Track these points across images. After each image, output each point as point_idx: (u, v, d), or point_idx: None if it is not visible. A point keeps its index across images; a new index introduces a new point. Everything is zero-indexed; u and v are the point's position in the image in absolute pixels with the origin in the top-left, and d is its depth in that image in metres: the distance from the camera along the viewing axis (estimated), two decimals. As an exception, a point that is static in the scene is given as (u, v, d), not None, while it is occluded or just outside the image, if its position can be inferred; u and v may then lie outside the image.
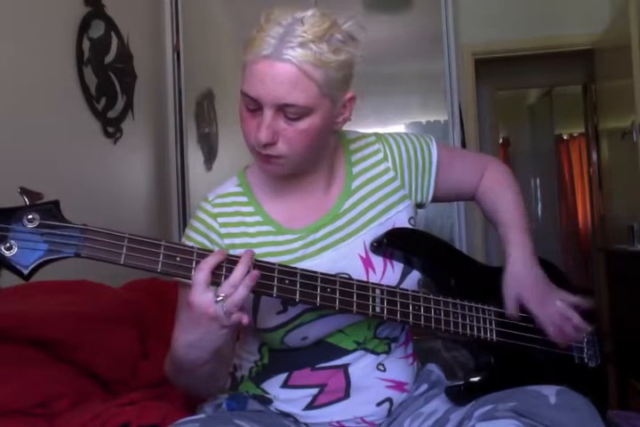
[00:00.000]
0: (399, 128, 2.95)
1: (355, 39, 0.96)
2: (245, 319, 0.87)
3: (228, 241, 1.05)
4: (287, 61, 0.89)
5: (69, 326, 1.27)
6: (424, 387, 1.12)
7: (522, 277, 1.12)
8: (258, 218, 1.06)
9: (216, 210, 1.06)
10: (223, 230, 1.05)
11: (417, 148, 1.15)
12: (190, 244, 1.03)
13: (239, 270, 0.87)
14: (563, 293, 1.13)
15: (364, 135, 1.17)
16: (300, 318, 1.01)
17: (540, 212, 5.92)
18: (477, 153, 1.40)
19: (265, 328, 1.04)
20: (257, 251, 1.02)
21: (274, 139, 0.94)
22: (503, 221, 1.18)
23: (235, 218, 1.06)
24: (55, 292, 1.44)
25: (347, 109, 1.01)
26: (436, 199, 1.18)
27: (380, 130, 1.25)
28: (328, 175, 1.09)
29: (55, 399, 1.14)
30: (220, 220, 1.06)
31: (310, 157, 1.00)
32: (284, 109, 0.92)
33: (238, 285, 0.86)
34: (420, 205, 1.18)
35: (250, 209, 1.07)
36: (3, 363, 1.13)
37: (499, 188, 1.22)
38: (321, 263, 1.03)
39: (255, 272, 0.88)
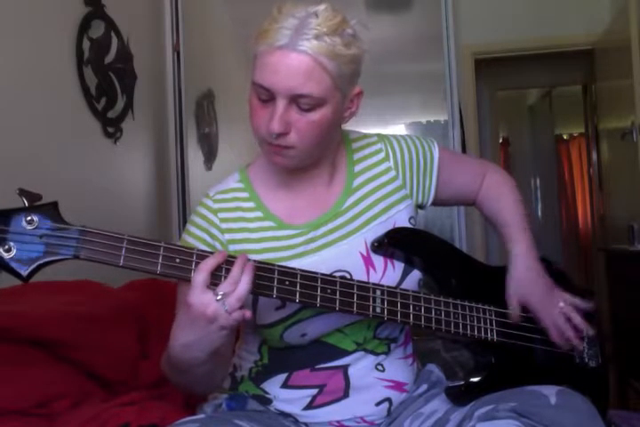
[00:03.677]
0: (399, 128, 2.94)
1: (359, 38, 0.97)
2: (248, 314, 0.87)
3: (228, 236, 1.05)
4: (302, 52, 0.90)
5: (69, 326, 1.27)
6: (424, 387, 1.12)
7: (526, 278, 1.12)
8: (258, 213, 1.07)
9: (217, 205, 1.07)
10: (224, 226, 1.05)
11: (419, 148, 1.15)
12: (191, 239, 1.04)
13: (237, 266, 0.87)
14: (564, 293, 1.14)
15: (366, 135, 1.18)
16: (298, 313, 1.01)
17: (540, 212, 5.92)
18: (477, 158, 1.41)
19: (264, 324, 1.04)
20: (257, 246, 1.03)
21: (286, 129, 0.94)
22: (506, 224, 1.19)
23: (235, 213, 1.06)
24: (55, 292, 1.43)
25: (354, 104, 1.02)
26: (437, 202, 1.18)
27: (381, 130, 1.26)
28: (330, 172, 1.10)
29: (55, 399, 1.15)
30: (221, 215, 1.06)
31: (318, 149, 1.01)
32: (298, 100, 0.93)
33: (238, 280, 0.86)
34: (420, 206, 1.18)
35: (250, 205, 1.07)
36: (3, 363, 1.13)
37: (500, 192, 1.23)
38: (321, 260, 1.03)
39: (251, 263, 0.88)
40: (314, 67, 0.91)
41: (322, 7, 0.94)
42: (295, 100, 0.93)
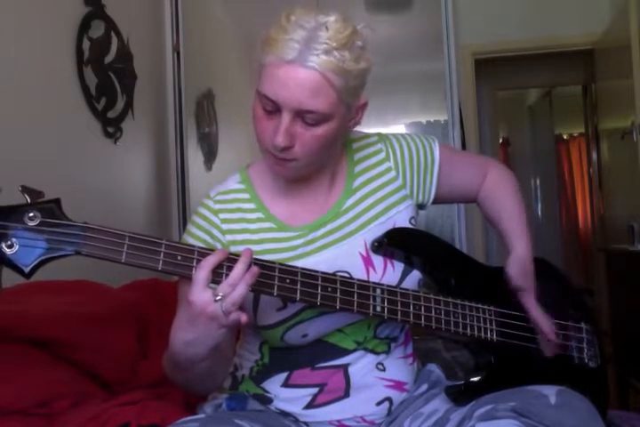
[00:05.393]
0: (399, 128, 2.94)
1: (368, 49, 0.96)
2: (244, 318, 0.87)
3: (229, 237, 1.05)
4: (311, 68, 0.89)
5: (69, 326, 1.27)
6: (424, 387, 1.12)
7: (524, 272, 1.13)
8: (259, 215, 1.07)
9: (217, 206, 1.07)
10: (224, 227, 1.05)
11: (419, 147, 1.15)
12: (192, 240, 1.04)
13: (238, 269, 0.86)
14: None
15: (367, 135, 1.17)
16: (300, 315, 1.01)
17: (540, 212, 5.92)
18: (479, 155, 1.41)
19: (265, 325, 1.04)
20: (258, 247, 1.03)
21: (291, 142, 0.94)
22: (505, 226, 1.19)
23: (236, 214, 1.06)
24: (55, 292, 1.43)
25: (358, 114, 1.02)
26: (437, 200, 1.18)
27: (381, 130, 1.26)
28: (331, 174, 1.10)
29: (56, 400, 1.14)
30: (222, 216, 1.06)
31: (321, 159, 1.02)
32: (303, 115, 0.92)
33: (237, 283, 0.86)
34: (421, 206, 1.18)
35: (251, 206, 1.07)
36: (3, 363, 1.13)
37: (500, 191, 1.22)
38: (321, 261, 1.03)
39: (254, 269, 0.87)
40: (322, 83, 0.90)
41: (332, 18, 0.92)
42: (300, 114, 0.92)
